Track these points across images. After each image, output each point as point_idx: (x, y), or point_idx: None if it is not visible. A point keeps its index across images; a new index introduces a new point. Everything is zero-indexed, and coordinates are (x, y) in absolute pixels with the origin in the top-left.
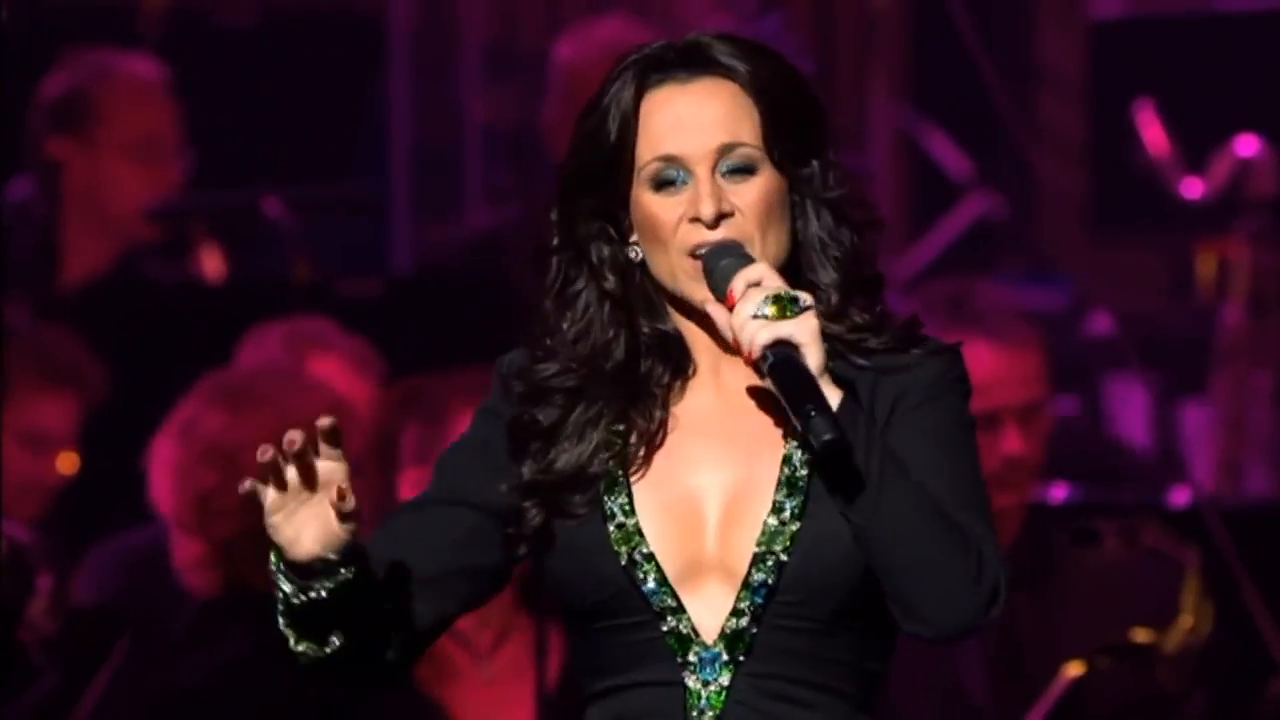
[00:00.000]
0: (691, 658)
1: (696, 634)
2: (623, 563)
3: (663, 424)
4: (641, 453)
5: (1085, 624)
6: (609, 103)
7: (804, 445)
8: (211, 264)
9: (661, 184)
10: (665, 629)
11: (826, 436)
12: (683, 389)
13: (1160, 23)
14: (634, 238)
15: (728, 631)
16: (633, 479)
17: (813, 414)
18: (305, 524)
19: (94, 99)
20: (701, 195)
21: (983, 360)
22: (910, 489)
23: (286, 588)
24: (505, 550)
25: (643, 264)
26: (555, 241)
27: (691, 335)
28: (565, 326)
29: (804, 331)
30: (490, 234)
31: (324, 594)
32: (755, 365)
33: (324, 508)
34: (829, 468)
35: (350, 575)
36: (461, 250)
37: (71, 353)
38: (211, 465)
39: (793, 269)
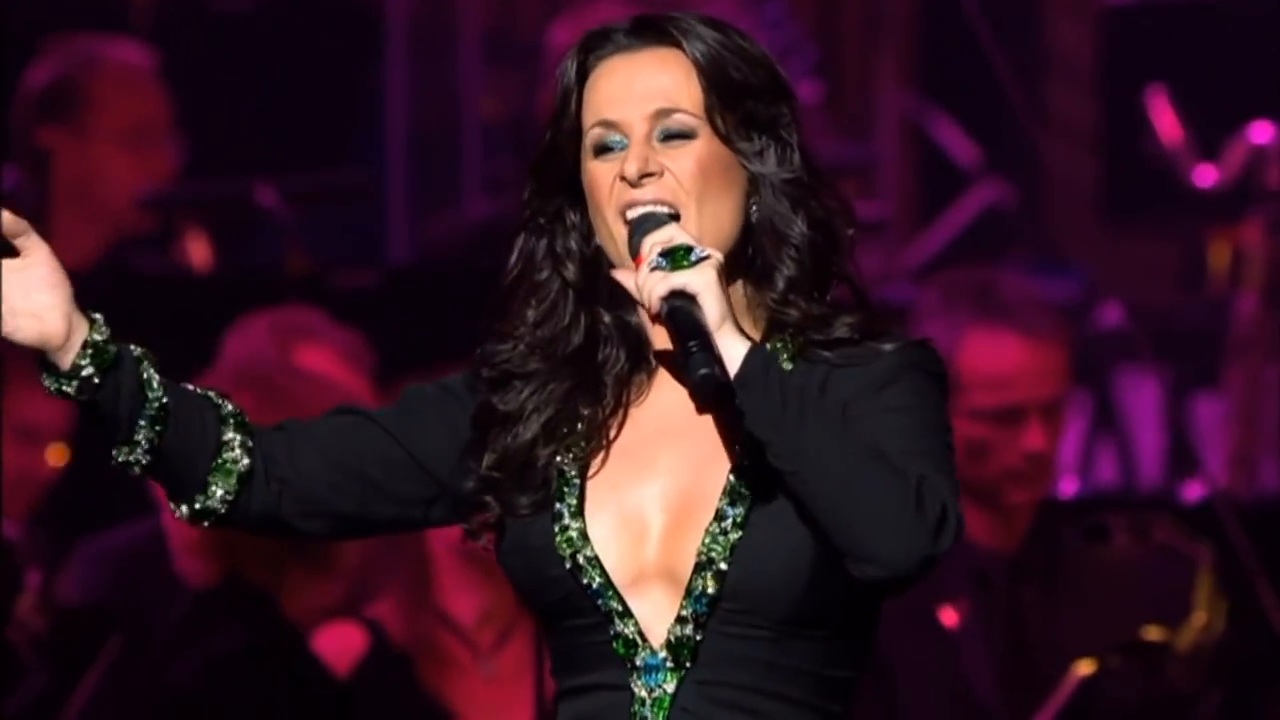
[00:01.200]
0: (638, 662)
1: (643, 639)
2: (568, 566)
3: (621, 422)
4: (601, 454)
5: (1096, 621)
6: (559, 77)
7: (755, 455)
8: (198, 254)
9: (601, 149)
10: (613, 633)
11: (702, 371)
12: (647, 386)
13: (1173, 7)
14: (583, 225)
15: (672, 638)
16: (589, 480)
17: (693, 351)
18: (17, 310)
19: (82, 87)
20: (629, 155)
21: (1009, 353)
22: (829, 426)
23: (47, 383)
24: (411, 503)
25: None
26: (524, 224)
27: (651, 327)
28: (529, 311)
29: (699, 281)
30: (489, 224)
31: (76, 388)
32: (657, 320)
33: (21, 281)
34: (712, 409)
35: (90, 365)
36: (460, 241)
37: None
38: None
39: (746, 251)
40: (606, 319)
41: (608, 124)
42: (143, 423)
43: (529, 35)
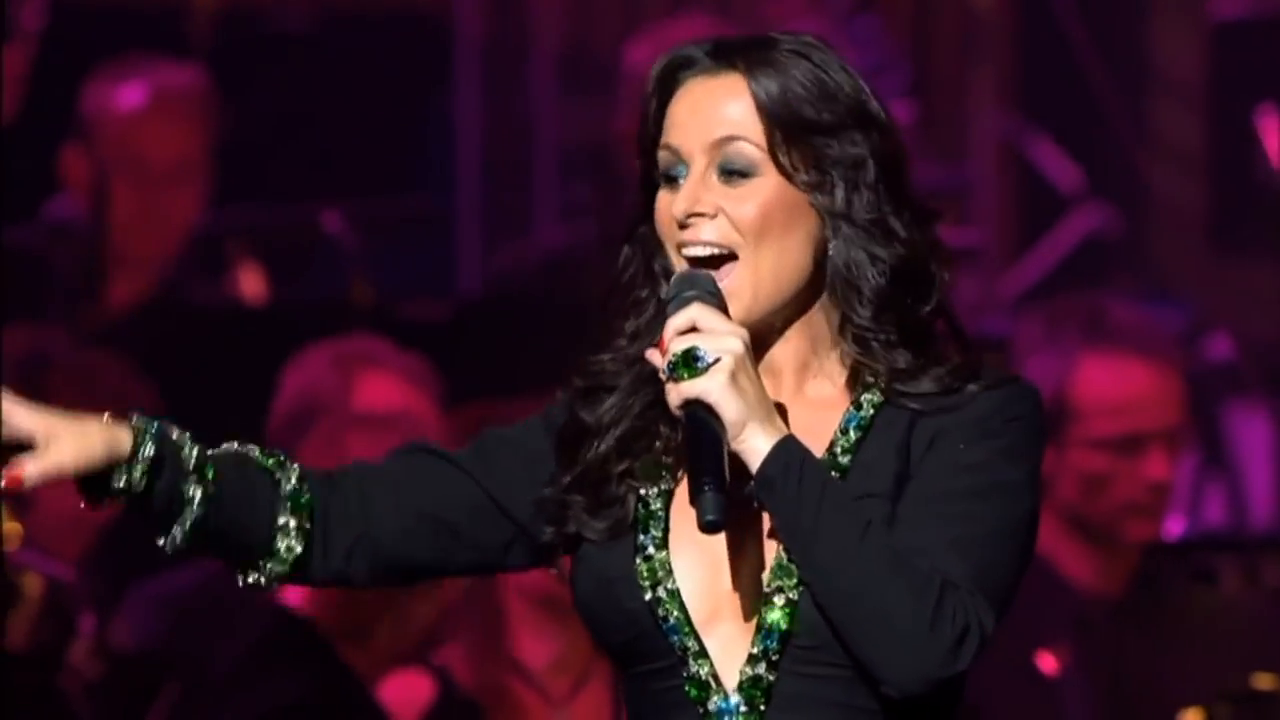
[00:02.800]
0: (711, 707)
1: (716, 681)
2: (647, 598)
3: None
4: (684, 485)
5: (1203, 669)
6: (642, 99)
7: (834, 467)
8: (251, 285)
9: (666, 177)
10: (686, 675)
11: (708, 517)
12: None
13: None
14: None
15: (745, 679)
16: (673, 510)
17: (705, 490)
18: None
19: (138, 117)
20: (681, 191)
21: (1131, 377)
22: (847, 534)
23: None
24: (489, 548)
25: None
26: (627, 235)
27: None
28: (625, 324)
29: (712, 388)
30: (564, 253)
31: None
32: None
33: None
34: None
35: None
36: (533, 271)
37: (117, 378)
38: None
39: (815, 296)
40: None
41: (672, 149)
42: (189, 520)
43: (606, 54)
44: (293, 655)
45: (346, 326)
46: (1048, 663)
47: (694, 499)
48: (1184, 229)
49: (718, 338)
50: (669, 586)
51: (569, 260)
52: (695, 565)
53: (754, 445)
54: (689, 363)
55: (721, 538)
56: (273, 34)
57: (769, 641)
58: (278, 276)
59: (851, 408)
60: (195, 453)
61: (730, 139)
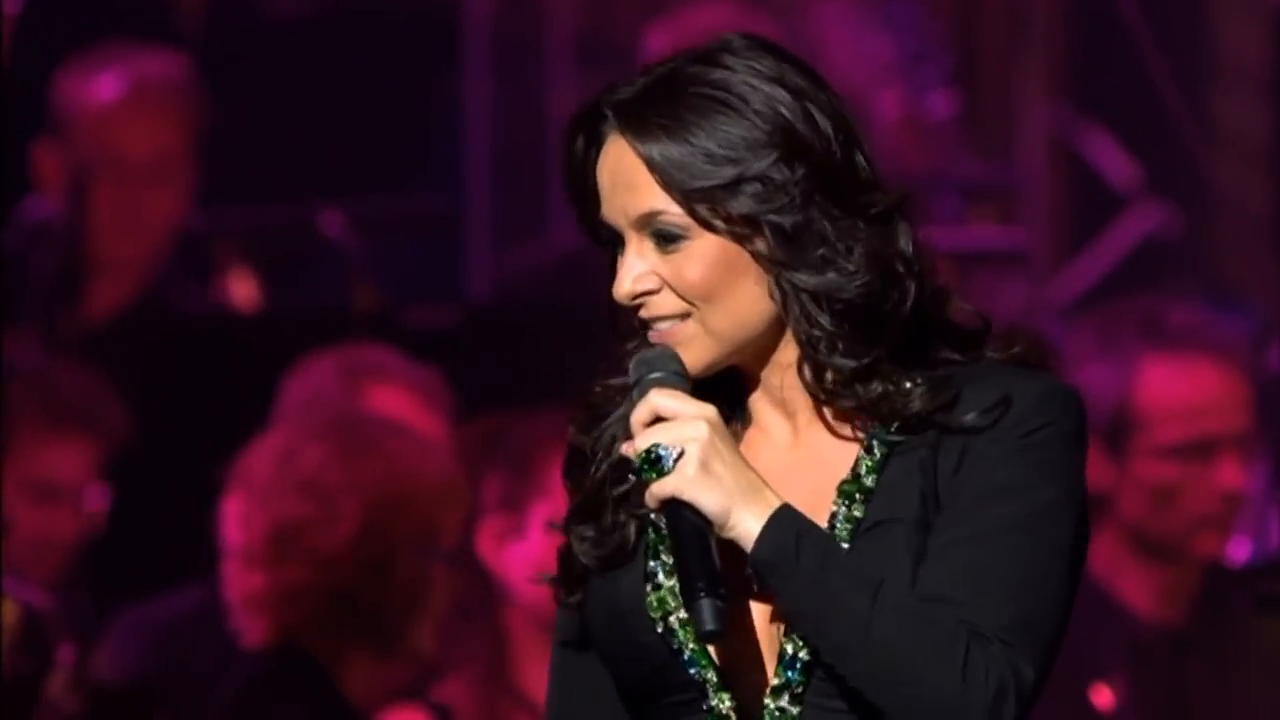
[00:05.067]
0: None
1: (741, 715)
2: (659, 630)
3: None
4: None
5: (1270, 701)
6: (564, 149)
7: (851, 501)
8: (242, 291)
9: (610, 247)
10: (707, 708)
11: (707, 628)
12: (739, 432)
13: None
14: None
15: (769, 715)
16: None
17: (699, 597)
18: None
19: (115, 110)
20: (620, 273)
21: (1201, 378)
22: (860, 606)
23: None
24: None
25: None
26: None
27: (741, 383)
28: (630, 343)
29: (684, 486)
30: (579, 255)
31: None
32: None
33: None
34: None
35: None
36: (549, 273)
37: (83, 392)
38: (304, 499)
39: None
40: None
41: (605, 223)
42: None
43: (624, 40)
44: (289, 689)
45: (347, 335)
46: (1103, 696)
47: (688, 606)
48: (1249, 229)
49: (681, 425)
50: (681, 615)
51: (586, 262)
52: None
53: (744, 530)
54: (653, 463)
55: (735, 563)
56: (267, 19)
57: (791, 673)
58: (271, 282)
59: (876, 424)
60: None
61: (650, 215)
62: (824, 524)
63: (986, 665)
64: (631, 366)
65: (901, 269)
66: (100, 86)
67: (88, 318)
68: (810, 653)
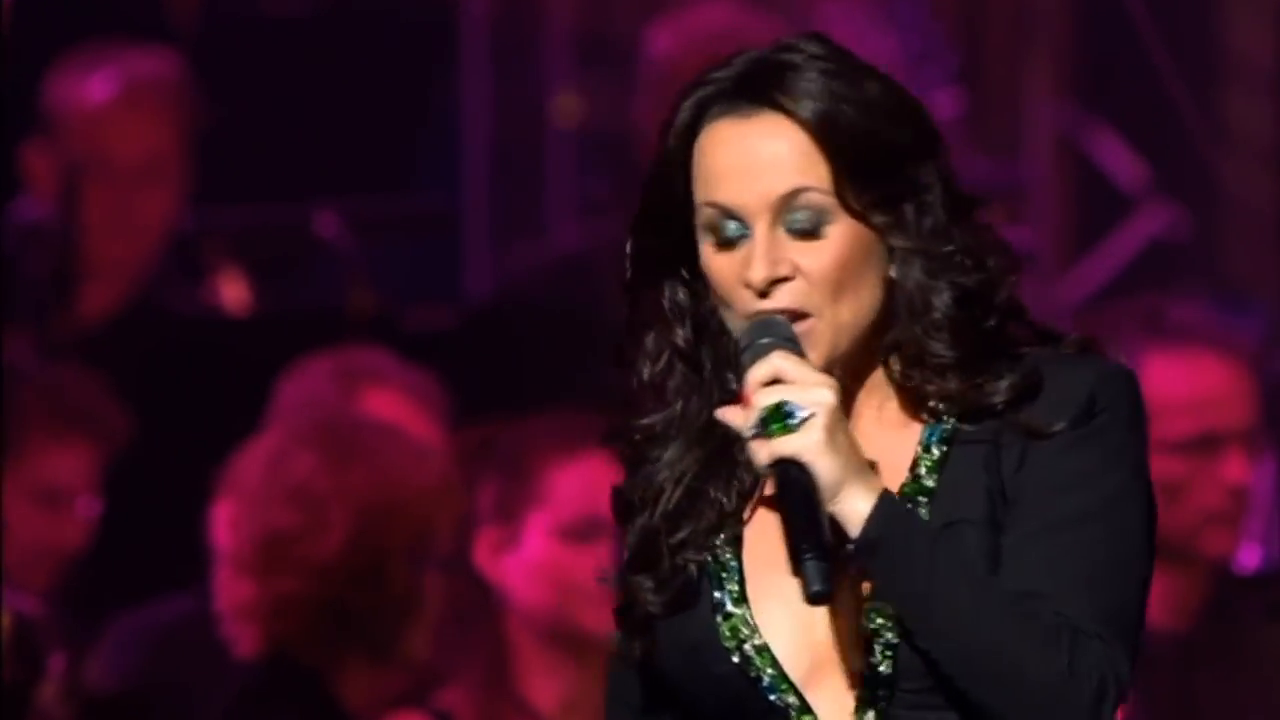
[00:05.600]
0: None
1: None
2: (735, 660)
3: (760, 497)
4: (753, 535)
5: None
6: (669, 134)
7: (915, 505)
8: (233, 293)
9: (719, 234)
10: None
11: (815, 589)
12: None
13: None
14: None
15: None
16: (745, 558)
17: (806, 559)
18: None
19: (107, 109)
20: (754, 256)
21: (1205, 370)
22: (965, 596)
23: None
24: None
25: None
26: (629, 278)
27: None
28: (647, 377)
29: (809, 446)
30: (580, 255)
31: None
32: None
33: None
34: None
35: None
36: (548, 274)
37: (87, 395)
38: (294, 507)
39: (885, 322)
40: (734, 385)
41: (723, 208)
42: None
43: (626, 36)
44: (283, 700)
45: (342, 337)
46: None
47: (796, 568)
48: (1258, 229)
49: (808, 390)
50: (756, 643)
51: (587, 262)
52: (782, 616)
53: (853, 507)
54: (781, 418)
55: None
56: (260, 17)
57: (877, 689)
58: (265, 283)
59: (930, 421)
60: None
61: (798, 191)
62: None
63: (1089, 663)
64: (747, 329)
65: (998, 273)
66: (91, 86)
67: (80, 320)
68: (892, 669)
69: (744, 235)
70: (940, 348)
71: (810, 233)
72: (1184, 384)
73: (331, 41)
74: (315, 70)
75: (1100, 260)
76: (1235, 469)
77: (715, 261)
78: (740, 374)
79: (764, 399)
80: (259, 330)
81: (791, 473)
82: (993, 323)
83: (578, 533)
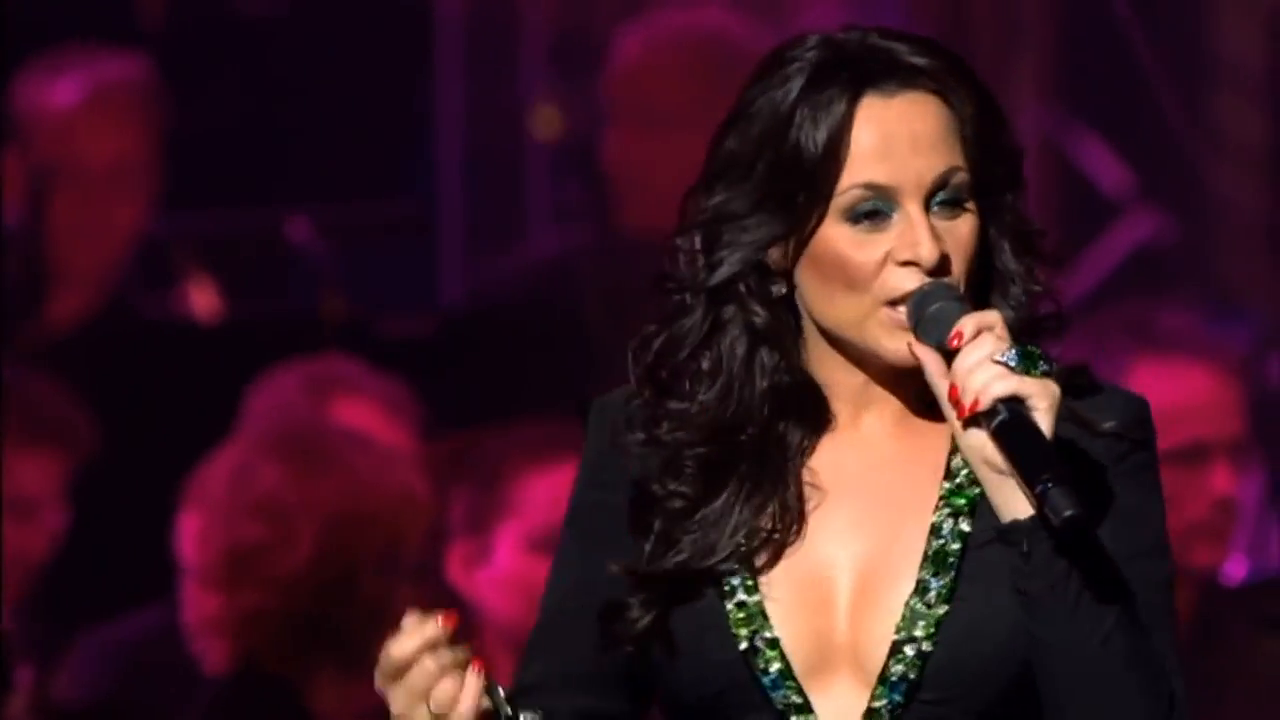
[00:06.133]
0: None
1: None
2: (742, 647)
3: (797, 493)
4: (771, 525)
5: None
6: (806, 110)
7: (956, 513)
8: (202, 301)
9: (861, 217)
10: None
11: (1068, 513)
12: (816, 444)
13: None
14: (782, 270)
15: None
16: (760, 554)
17: (1051, 485)
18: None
19: (74, 113)
20: (920, 235)
21: (1191, 380)
22: (1101, 627)
23: None
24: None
25: (785, 300)
26: (699, 276)
27: (832, 380)
28: (698, 372)
29: (1046, 396)
30: (557, 262)
31: None
32: (972, 419)
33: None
34: (1068, 541)
35: None
36: (524, 281)
37: (55, 403)
38: (260, 520)
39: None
40: (785, 377)
41: (875, 187)
42: None
43: (601, 42)
44: (257, 709)
45: (315, 346)
46: None
47: (1039, 500)
48: (1247, 237)
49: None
50: (766, 634)
51: (564, 269)
52: (796, 609)
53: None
54: (1040, 360)
55: (826, 579)
56: (231, 16)
57: (894, 695)
58: (236, 290)
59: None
60: None
61: (953, 170)
62: (924, 536)
63: (1177, 709)
64: (917, 298)
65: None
66: (58, 90)
67: (47, 327)
68: (918, 675)
69: (889, 215)
70: (1016, 318)
71: (954, 214)
72: (1171, 394)
73: (302, 44)
74: (286, 73)
75: (1085, 268)
76: (1222, 481)
77: (851, 242)
78: (925, 332)
79: (1008, 337)
80: (229, 338)
81: (1021, 411)
82: (1056, 310)
83: (551, 544)
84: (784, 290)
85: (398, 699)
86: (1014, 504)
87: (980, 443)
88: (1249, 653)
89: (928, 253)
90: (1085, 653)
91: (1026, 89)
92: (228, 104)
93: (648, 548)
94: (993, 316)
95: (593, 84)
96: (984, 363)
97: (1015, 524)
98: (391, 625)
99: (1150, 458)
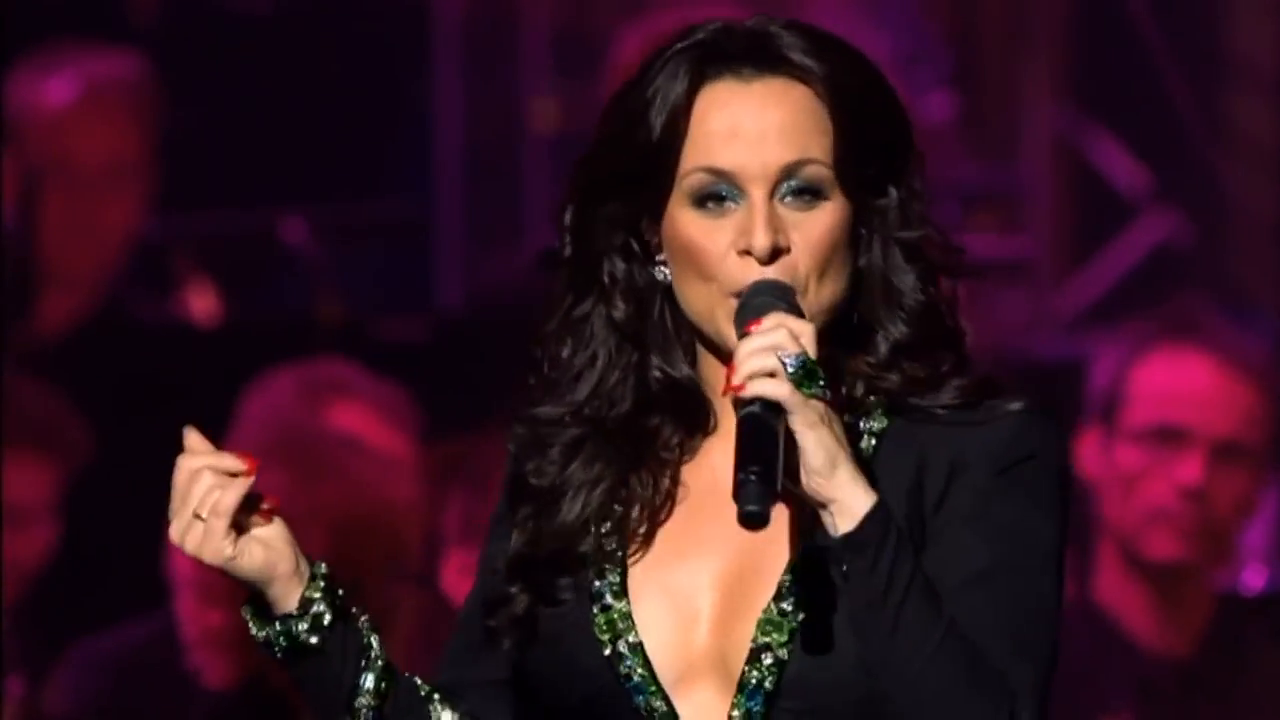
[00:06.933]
0: None
1: None
2: (606, 653)
3: (669, 494)
4: (643, 528)
5: None
6: (653, 93)
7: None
8: (201, 303)
9: (705, 200)
10: None
11: (750, 508)
12: (694, 445)
13: None
14: (661, 257)
15: None
16: (630, 558)
17: (750, 479)
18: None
19: (67, 113)
20: (756, 223)
21: (1192, 371)
22: (934, 632)
23: (257, 630)
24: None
25: (666, 290)
26: (565, 251)
27: (715, 380)
28: (566, 356)
29: (808, 414)
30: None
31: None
32: (733, 402)
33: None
34: (837, 568)
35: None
36: (523, 284)
37: (47, 409)
38: None
39: (845, 310)
40: (656, 372)
41: (718, 172)
42: (368, 684)
43: (604, 37)
44: None
45: (311, 349)
46: None
47: (736, 489)
48: (1264, 237)
49: (823, 376)
50: (630, 640)
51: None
52: (662, 615)
53: (847, 496)
54: (813, 380)
55: (694, 585)
56: (225, 14)
57: (752, 704)
58: (232, 292)
59: (863, 415)
60: (366, 618)
61: (803, 162)
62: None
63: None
64: (749, 291)
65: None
66: (51, 89)
67: (39, 331)
68: (775, 685)
69: (733, 203)
70: (902, 329)
71: (806, 206)
72: (1164, 377)
73: (298, 42)
74: (281, 72)
75: (1100, 270)
76: (1191, 471)
77: (696, 228)
78: (741, 322)
79: (805, 345)
80: (224, 342)
81: (773, 416)
82: (950, 323)
83: None
84: (667, 278)
85: (175, 517)
86: (836, 519)
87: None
88: (1265, 664)
89: (759, 241)
90: (909, 671)
91: (1040, 88)
92: (221, 103)
93: (520, 537)
94: (804, 325)
95: (593, 82)
96: (765, 353)
97: (839, 540)
98: (398, 634)
99: (1037, 473)
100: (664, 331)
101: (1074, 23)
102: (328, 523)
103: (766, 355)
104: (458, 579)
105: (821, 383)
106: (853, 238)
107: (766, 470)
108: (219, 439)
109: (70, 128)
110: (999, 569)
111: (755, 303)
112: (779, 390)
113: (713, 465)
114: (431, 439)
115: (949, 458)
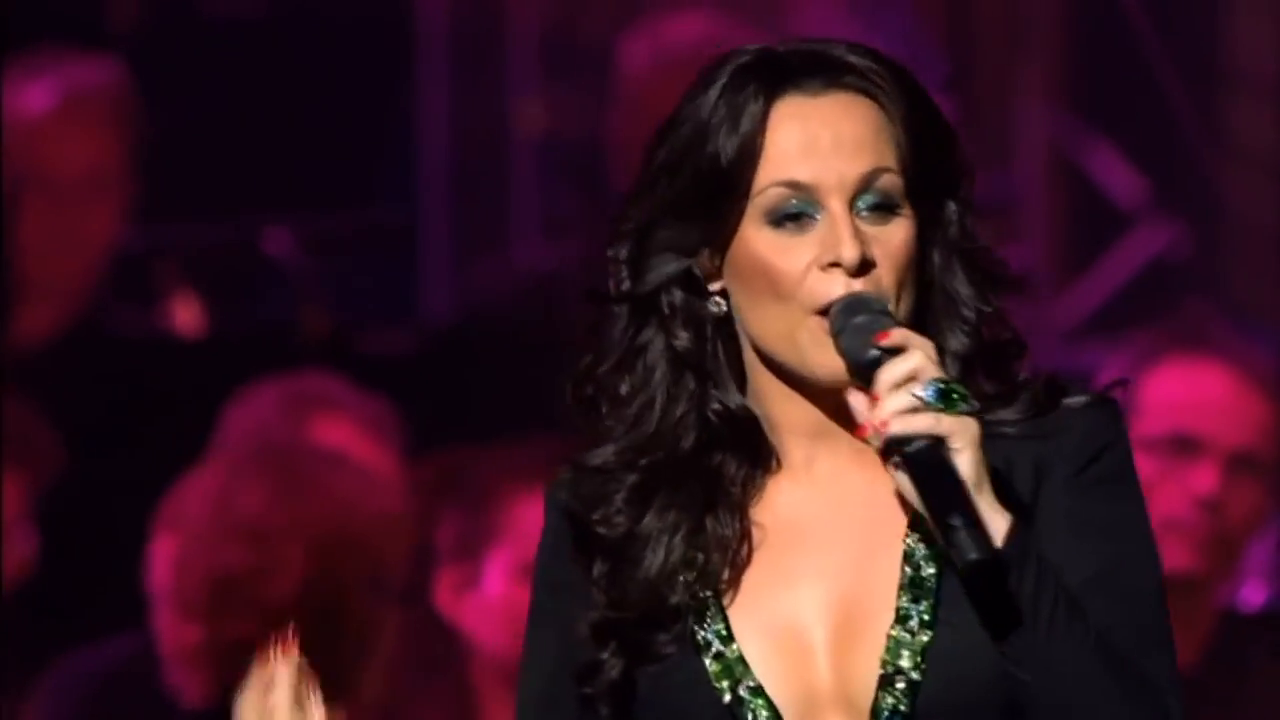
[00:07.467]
0: None
1: None
2: (726, 700)
3: (745, 534)
4: (726, 572)
5: None
6: (717, 114)
7: (928, 538)
8: (185, 315)
9: (783, 218)
10: None
11: (972, 556)
12: (762, 485)
13: None
14: (717, 285)
15: None
16: (726, 599)
17: (958, 526)
18: None
19: (45, 121)
20: (842, 235)
21: (1207, 380)
22: (1078, 634)
23: None
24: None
25: (722, 321)
26: (624, 285)
27: (780, 414)
28: (626, 394)
29: (964, 435)
30: (545, 275)
31: None
32: (885, 449)
33: None
34: (975, 591)
35: None
36: (510, 295)
37: (21, 422)
38: (242, 546)
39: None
40: (715, 404)
41: (796, 186)
42: None
43: (593, 44)
44: None
45: (295, 361)
46: None
47: (947, 541)
48: (1264, 247)
49: (965, 388)
50: (750, 684)
51: (551, 282)
52: (775, 655)
53: (989, 515)
54: (960, 397)
55: (800, 621)
56: (206, 21)
57: None
58: (214, 304)
59: None
60: None
61: (879, 171)
62: (897, 565)
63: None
64: (837, 310)
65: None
66: (29, 97)
67: (16, 343)
68: (910, 706)
69: (811, 219)
70: (965, 342)
71: (884, 219)
72: (1178, 386)
73: (281, 49)
74: (264, 79)
75: (1097, 280)
76: (1206, 480)
77: (773, 246)
78: (846, 352)
79: (930, 373)
80: (205, 353)
81: (934, 449)
82: (1009, 335)
83: None
84: (722, 309)
85: None
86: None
87: (894, 468)
88: (1267, 681)
89: (849, 252)
90: (1063, 688)
91: (1035, 94)
92: (204, 112)
93: (601, 596)
94: (912, 362)
95: (581, 88)
96: (906, 387)
97: (978, 558)
98: (380, 653)
99: (1118, 462)
100: (717, 364)
101: (1070, 29)
102: (309, 538)
103: (904, 393)
104: (450, 596)
105: (964, 402)
106: (918, 253)
107: (967, 513)
108: (198, 453)
109: (49, 136)
110: (1109, 568)
111: (858, 321)
112: (933, 424)
113: (789, 499)
114: (417, 454)
115: (1030, 470)
